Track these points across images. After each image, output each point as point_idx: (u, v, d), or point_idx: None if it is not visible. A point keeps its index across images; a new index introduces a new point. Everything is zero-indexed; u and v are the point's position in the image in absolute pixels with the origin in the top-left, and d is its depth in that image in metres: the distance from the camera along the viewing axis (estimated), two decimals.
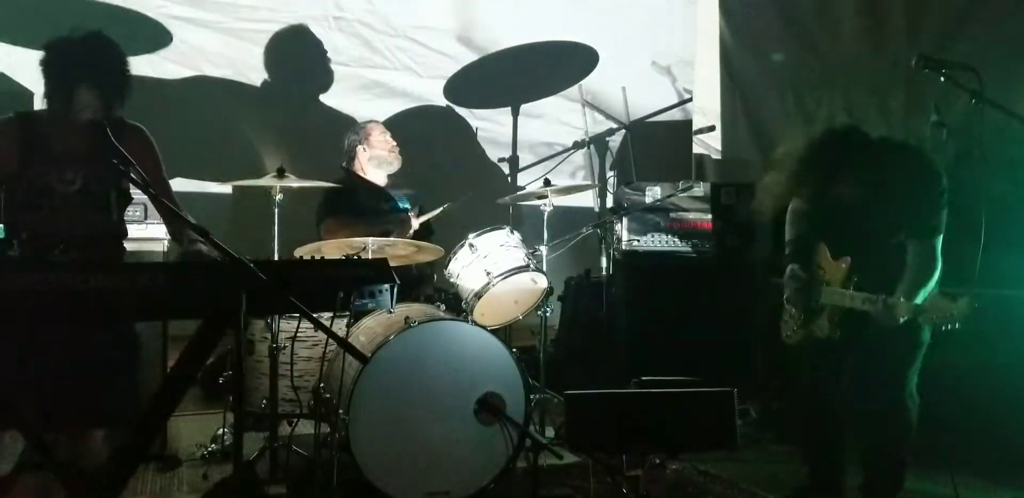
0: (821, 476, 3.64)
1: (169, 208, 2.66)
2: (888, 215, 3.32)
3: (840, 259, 3.42)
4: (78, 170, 2.84)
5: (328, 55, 6.65)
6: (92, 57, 2.75)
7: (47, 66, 2.78)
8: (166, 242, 4.14)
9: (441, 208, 4.96)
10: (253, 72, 6.49)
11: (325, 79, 6.73)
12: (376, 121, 5.18)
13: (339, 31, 6.67)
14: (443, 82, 7.01)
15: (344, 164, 5.04)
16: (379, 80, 6.82)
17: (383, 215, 4.89)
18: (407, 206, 5.07)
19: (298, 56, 6.61)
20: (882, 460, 3.50)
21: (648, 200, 5.37)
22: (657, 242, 5.37)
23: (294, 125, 6.55)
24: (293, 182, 3.98)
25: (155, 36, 6.10)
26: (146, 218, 4.12)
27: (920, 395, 3.40)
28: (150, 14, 6.09)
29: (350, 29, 6.68)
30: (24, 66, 5.51)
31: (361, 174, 4.99)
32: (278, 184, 3.94)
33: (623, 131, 7.03)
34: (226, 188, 5.66)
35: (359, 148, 4.98)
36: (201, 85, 6.34)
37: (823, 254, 3.50)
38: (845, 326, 3.38)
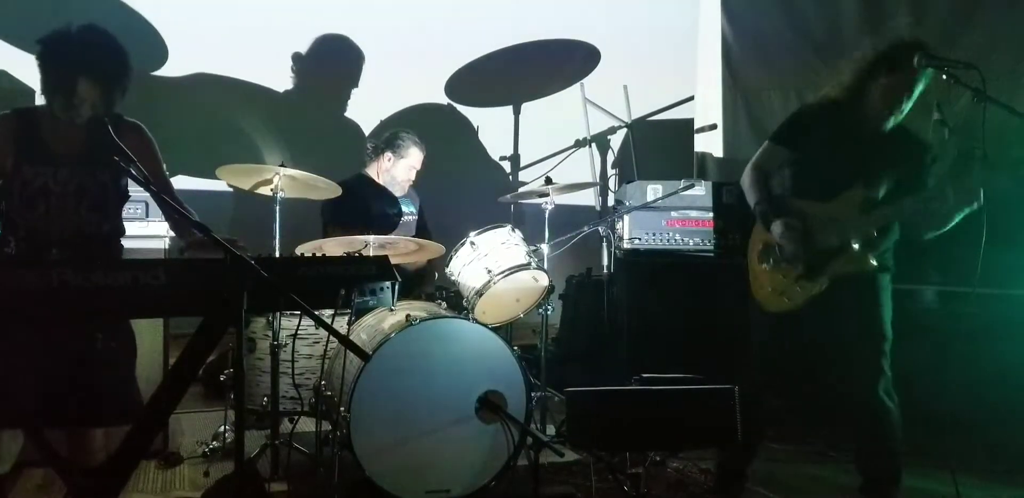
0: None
1: (171, 205, 2.65)
2: (884, 161, 3.42)
3: (843, 195, 3.40)
4: (75, 169, 2.82)
5: (330, 54, 6.65)
6: (91, 50, 2.71)
7: (44, 60, 2.74)
8: (167, 239, 4.14)
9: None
10: (254, 70, 6.49)
11: (327, 78, 6.73)
12: (422, 150, 5.06)
13: (341, 30, 6.67)
14: (444, 80, 7.01)
15: (367, 160, 5.04)
16: (380, 79, 6.81)
17: (389, 219, 4.89)
18: (412, 209, 5.07)
19: (300, 55, 6.61)
20: (876, 459, 3.48)
21: (650, 198, 5.36)
22: (659, 241, 5.37)
23: (296, 123, 6.55)
24: (294, 174, 3.97)
25: (156, 35, 6.11)
26: (147, 215, 4.12)
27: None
28: (152, 12, 6.10)
29: (352, 28, 6.68)
30: (25, 63, 5.53)
31: (374, 176, 4.99)
32: (279, 176, 3.94)
33: (625, 129, 7.03)
34: (227, 186, 5.66)
35: (387, 154, 4.97)
36: (202, 83, 6.34)
37: (802, 204, 3.48)
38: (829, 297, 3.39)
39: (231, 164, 3.96)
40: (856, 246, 3.38)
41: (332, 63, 6.70)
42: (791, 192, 3.56)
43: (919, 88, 3.32)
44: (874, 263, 3.36)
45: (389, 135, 5.06)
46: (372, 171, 5.02)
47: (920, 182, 3.43)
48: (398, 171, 4.98)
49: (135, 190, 3.02)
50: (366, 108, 6.75)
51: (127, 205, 3.07)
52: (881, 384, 3.37)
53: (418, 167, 5.03)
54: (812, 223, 3.42)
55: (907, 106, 3.36)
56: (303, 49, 6.60)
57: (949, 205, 3.21)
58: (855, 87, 3.43)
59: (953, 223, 3.24)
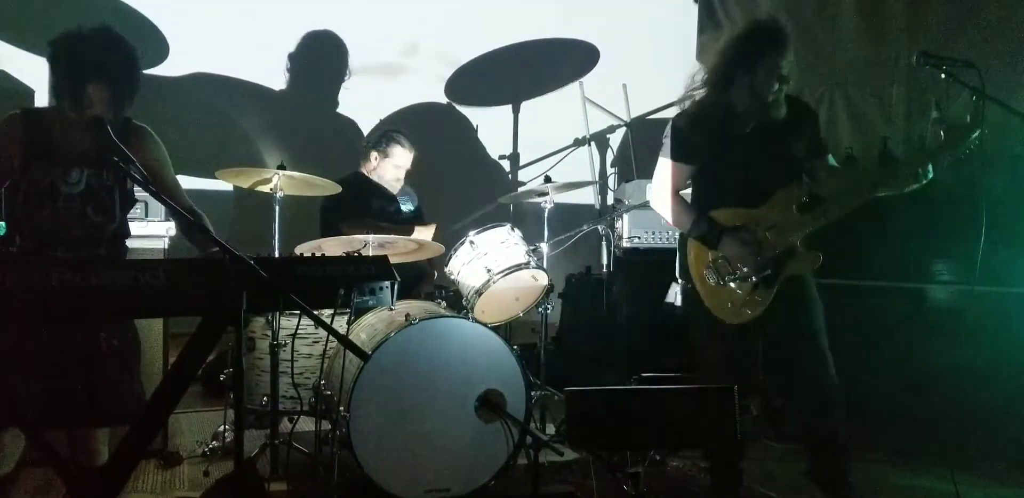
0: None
1: (171, 206, 2.65)
2: (787, 148, 3.42)
3: (776, 196, 3.39)
4: (82, 170, 2.82)
5: (332, 54, 6.65)
6: (101, 53, 2.70)
7: (54, 61, 2.73)
8: (167, 239, 4.14)
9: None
10: (256, 70, 6.50)
11: (328, 78, 6.73)
12: (409, 150, 5.05)
13: (343, 30, 6.68)
14: (444, 79, 7.01)
15: (361, 159, 5.05)
16: (382, 78, 6.81)
17: (387, 218, 4.89)
18: (411, 207, 5.06)
19: (302, 55, 6.61)
20: (824, 444, 3.50)
21: (649, 197, 5.35)
22: (658, 239, 5.36)
23: (296, 123, 6.56)
24: (294, 174, 3.98)
25: (158, 34, 6.11)
26: (147, 215, 4.12)
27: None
28: (154, 11, 6.10)
29: (354, 27, 6.68)
30: (25, 64, 5.53)
31: (369, 176, 5.00)
32: (279, 176, 3.94)
33: (624, 128, 7.02)
34: (227, 186, 5.67)
35: (373, 154, 4.99)
36: (204, 83, 6.35)
37: (734, 214, 3.45)
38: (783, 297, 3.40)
39: (230, 167, 3.97)
40: (800, 247, 3.38)
41: (323, 59, 6.70)
42: (715, 204, 3.48)
43: (785, 67, 3.30)
44: (820, 258, 3.36)
45: (378, 134, 5.09)
46: (365, 170, 5.04)
47: (818, 144, 3.48)
48: (384, 170, 5.00)
49: (136, 191, 3.02)
50: (367, 107, 6.75)
51: None
52: (831, 368, 3.41)
53: (405, 166, 5.02)
54: (756, 231, 3.40)
55: (784, 86, 3.33)
56: (296, 47, 6.60)
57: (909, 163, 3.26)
58: (724, 82, 3.39)
59: (929, 175, 3.22)
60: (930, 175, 3.21)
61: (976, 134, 3.12)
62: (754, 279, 3.40)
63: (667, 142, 3.53)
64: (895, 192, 3.29)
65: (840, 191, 3.36)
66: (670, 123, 3.55)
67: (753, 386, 3.57)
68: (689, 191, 3.64)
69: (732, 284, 3.44)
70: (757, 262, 3.38)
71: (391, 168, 4.99)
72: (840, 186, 3.40)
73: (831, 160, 3.53)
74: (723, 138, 3.41)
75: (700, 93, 3.48)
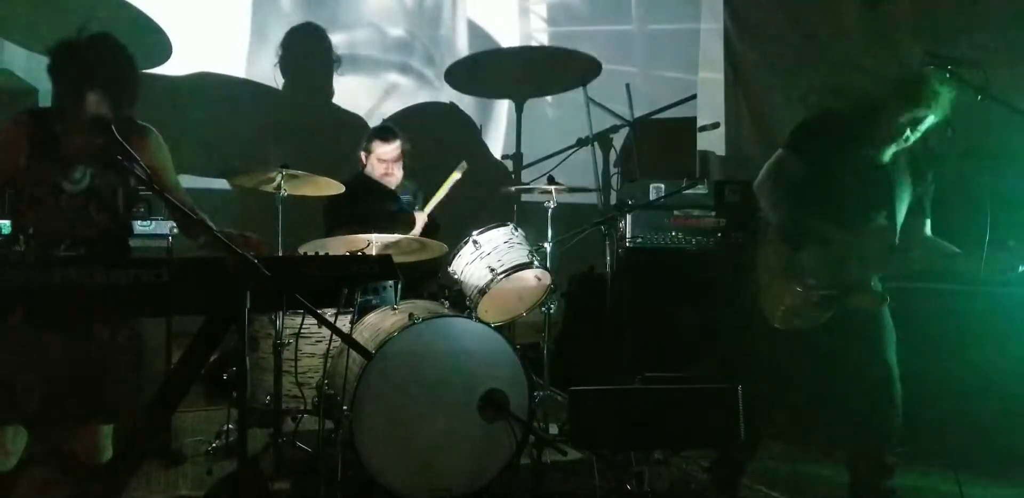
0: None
1: (177, 207, 2.66)
2: (900, 187, 3.38)
3: (872, 226, 3.36)
4: (86, 169, 2.84)
5: (335, 53, 6.65)
6: (100, 61, 2.73)
7: (55, 71, 2.76)
8: (170, 238, 4.14)
9: (444, 190, 4.92)
10: (258, 69, 6.50)
11: (331, 77, 6.73)
12: (387, 140, 4.99)
13: (346, 29, 6.68)
14: (446, 79, 7.01)
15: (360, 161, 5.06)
16: (384, 78, 6.82)
17: (389, 217, 4.88)
18: (413, 202, 5.06)
19: (304, 54, 6.61)
20: (866, 461, 3.51)
21: (652, 197, 5.35)
22: (661, 239, 5.35)
23: (299, 123, 6.55)
24: (297, 172, 3.98)
25: (161, 34, 6.11)
26: (150, 214, 4.12)
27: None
28: (157, 11, 6.10)
29: (357, 28, 6.68)
30: (28, 62, 5.54)
31: (368, 175, 5.00)
32: (282, 174, 3.94)
33: (627, 128, 7.02)
34: (230, 185, 5.68)
35: (361, 154, 5.00)
36: (206, 82, 6.35)
37: (831, 230, 3.39)
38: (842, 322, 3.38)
39: (235, 170, 3.97)
40: (877, 285, 3.37)
41: (309, 53, 6.70)
42: (813, 211, 3.41)
43: (927, 123, 3.27)
44: (887, 302, 3.36)
45: (367, 132, 5.08)
46: (363, 170, 5.03)
47: (922, 212, 3.45)
48: (373, 167, 4.97)
49: (141, 188, 3.03)
50: (370, 106, 6.76)
51: None
52: (891, 411, 3.40)
53: (390, 158, 4.95)
54: (841, 253, 3.36)
55: (912, 138, 3.31)
56: (309, 48, 6.61)
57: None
58: (867, 107, 3.38)
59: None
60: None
61: None
62: (814, 295, 3.37)
63: (793, 134, 3.50)
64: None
65: (922, 259, 3.42)
66: (811, 116, 3.56)
67: (779, 391, 3.56)
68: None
69: (794, 291, 3.40)
70: (827, 281, 3.35)
71: (378, 164, 4.97)
72: (923, 257, 3.43)
73: (927, 227, 3.48)
74: (851, 151, 3.38)
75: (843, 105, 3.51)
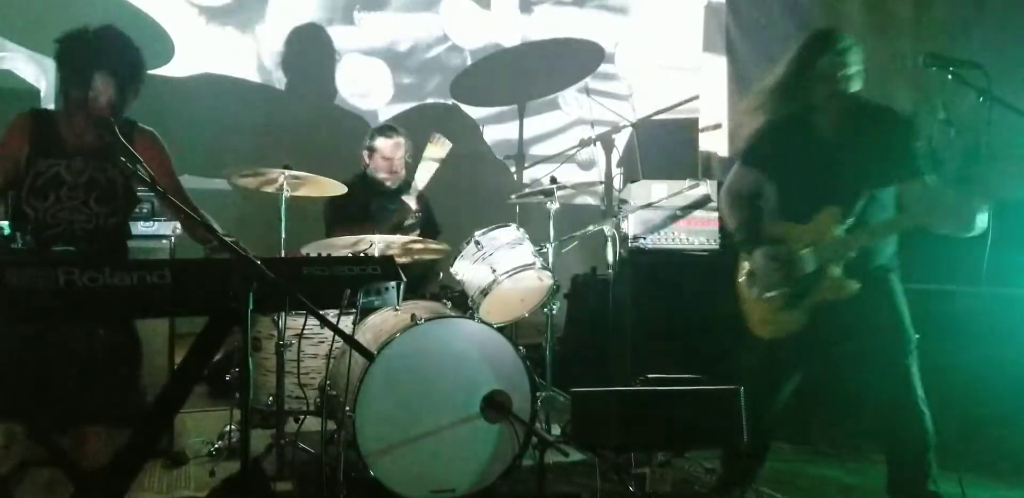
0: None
1: (181, 209, 2.67)
2: (858, 165, 3.28)
3: (820, 214, 3.28)
4: (88, 162, 2.88)
5: (337, 53, 6.66)
6: (108, 46, 2.82)
7: (62, 56, 2.83)
8: (172, 239, 4.15)
9: (426, 165, 4.81)
10: (260, 70, 6.50)
11: (333, 77, 6.74)
12: (389, 136, 4.97)
13: (347, 30, 6.68)
14: (449, 79, 7.02)
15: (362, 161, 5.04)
16: (385, 78, 6.82)
17: (391, 217, 4.87)
18: (415, 206, 5.05)
19: (307, 54, 6.62)
20: (905, 460, 3.38)
21: (654, 198, 5.35)
22: (663, 240, 5.35)
23: (301, 123, 6.56)
24: (299, 173, 3.97)
25: (163, 36, 6.12)
26: (152, 215, 4.13)
27: (925, 390, 3.36)
28: (159, 11, 6.11)
29: (359, 27, 6.69)
30: (31, 65, 5.55)
31: (370, 175, 4.99)
32: (284, 175, 3.94)
33: (629, 129, 7.02)
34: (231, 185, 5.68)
35: (364, 153, 4.98)
36: (208, 82, 6.36)
37: (779, 228, 3.39)
38: (826, 317, 3.30)
39: (237, 169, 3.96)
40: (835, 271, 3.27)
41: (339, 62, 6.71)
42: (774, 214, 3.44)
43: (853, 59, 3.23)
44: (856, 287, 3.23)
45: (369, 131, 5.07)
46: (365, 170, 5.02)
47: (911, 163, 3.26)
48: (376, 165, 4.94)
49: (140, 190, 3.04)
50: (371, 106, 6.76)
51: None
52: (916, 388, 3.28)
53: (392, 156, 4.93)
54: (792, 249, 3.32)
55: (852, 78, 3.24)
56: (312, 48, 6.61)
57: (958, 205, 3.08)
58: (793, 86, 3.32)
59: (979, 225, 3.07)
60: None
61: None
62: (779, 298, 3.34)
63: (742, 147, 3.57)
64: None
65: (922, 214, 3.21)
66: (753, 132, 3.52)
67: (766, 402, 3.49)
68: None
69: (761, 298, 3.39)
70: (783, 280, 3.32)
71: (381, 161, 4.95)
72: (924, 212, 3.22)
73: (927, 181, 3.26)
74: (795, 149, 3.36)
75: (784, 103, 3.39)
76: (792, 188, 3.39)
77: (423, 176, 4.77)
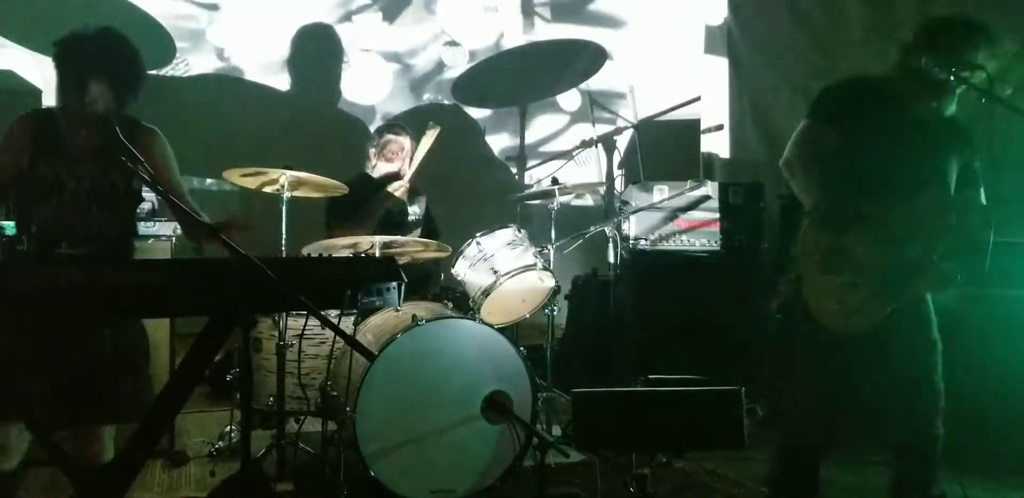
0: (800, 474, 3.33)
1: (180, 208, 2.66)
2: (950, 154, 3.05)
3: (925, 197, 2.95)
4: (90, 167, 2.85)
5: (339, 54, 6.67)
6: (104, 51, 2.78)
7: (60, 60, 2.80)
8: (174, 239, 4.15)
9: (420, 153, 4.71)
10: (261, 70, 6.51)
11: (334, 77, 6.74)
12: (403, 135, 4.92)
13: (347, 30, 6.69)
14: (451, 80, 7.02)
15: (365, 161, 5.02)
16: (386, 78, 6.83)
17: (388, 219, 4.86)
18: (417, 210, 5.04)
19: (308, 55, 6.62)
20: (916, 460, 3.24)
21: (656, 199, 5.35)
22: (665, 241, 5.36)
23: (302, 124, 6.56)
24: (300, 174, 3.97)
25: (165, 37, 6.13)
26: (153, 215, 4.13)
27: None
28: (161, 12, 6.11)
29: (359, 28, 6.70)
30: (33, 64, 5.55)
31: (374, 176, 4.97)
32: (285, 175, 3.94)
33: (631, 130, 7.02)
34: (234, 186, 5.68)
35: (372, 151, 4.95)
36: (209, 82, 6.36)
37: (874, 205, 2.98)
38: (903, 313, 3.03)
39: (237, 168, 3.96)
40: (941, 263, 2.99)
41: (340, 62, 6.72)
42: (852, 190, 3.00)
43: (977, 71, 2.98)
44: (957, 278, 2.98)
45: (374, 131, 5.04)
46: (368, 169, 5.00)
47: (973, 178, 3.11)
48: (385, 161, 4.90)
49: (144, 192, 3.04)
50: (372, 105, 6.77)
51: None
52: (937, 386, 3.14)
53: (400, 151, 4.88)
54: (893, 232, 2.96)
55: (957, 84, 2.99)
56: (314, 48, 6.62)
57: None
58: (902, 64, 3.06)
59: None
60: None
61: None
62: (874, 283, 2.97)
63: (818, 102, 3.14)
64: None
65: (978, 227, 2.99)
66: (831, 83, 3.16)
67: (841, 403, 3.16)
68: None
69: (848, 284, 2.98)
70: (883, 267, 2.96)
71: (389, 155, 4.90)
72: (980, 224, 3.01)
73: (981, 195, 3.12)
74: (887, 115, 3.01)
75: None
76: (885, 161, 3.00)
77: (413, 166, 4.74)
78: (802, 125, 3.11)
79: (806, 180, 3.05)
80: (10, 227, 2.89)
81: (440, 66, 7.06)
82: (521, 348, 3.81)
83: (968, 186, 3.12)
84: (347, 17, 6.75)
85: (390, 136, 4.91)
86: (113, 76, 2.78)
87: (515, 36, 7.20)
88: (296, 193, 4.05)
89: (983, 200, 3.13)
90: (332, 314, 3.89)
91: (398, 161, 4.86)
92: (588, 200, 6.96)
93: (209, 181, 5.84)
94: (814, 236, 3.05)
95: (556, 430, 4.48)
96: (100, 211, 2.87)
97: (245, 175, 3.99)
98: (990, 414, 4.04)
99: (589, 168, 7.20)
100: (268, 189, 4.03)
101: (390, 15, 6.87)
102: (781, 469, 3.34)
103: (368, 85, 6.84)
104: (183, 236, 3.43)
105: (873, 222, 2.96)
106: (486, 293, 4.08)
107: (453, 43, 7.05)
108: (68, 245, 2.80)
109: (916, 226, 2.98)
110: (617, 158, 6.97)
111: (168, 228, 4.12)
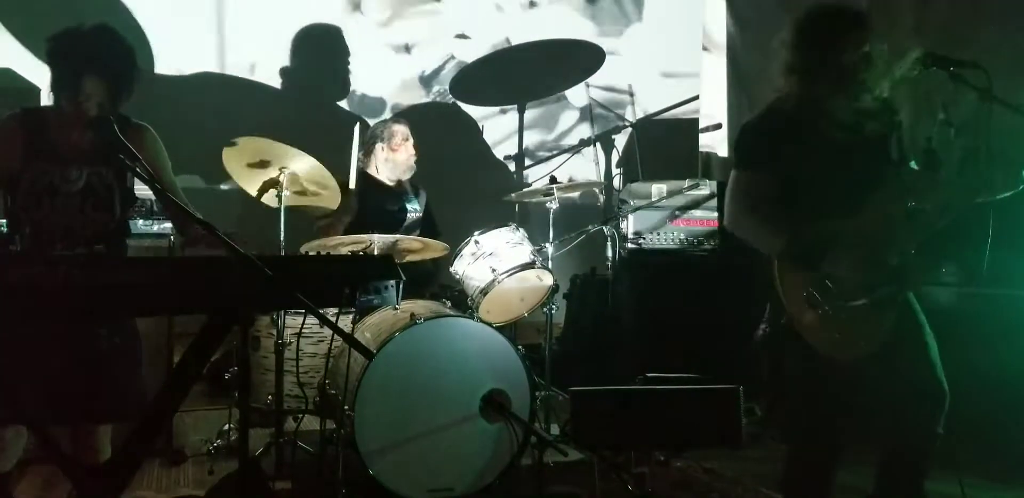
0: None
1: (176, 205, 2.66)
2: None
3: (872, 201, 2.94)
4: (82, 168, 2.83)
5: (337, 53, 6.66)
6: (99, 48, 2.74)
7: (53, 56, 2.76)
8: (172, 238, 4.14)
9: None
10: (261, 69, 6.50)
11: (334, 77, 6.74)
12: (404, 124, 4.95)
13: (348, 29, 6.68)
14: (448, 78, 7.02)
15: (363, 159, 4.99)
16: (386, 77, 6.82)
17: (387, 218, 4.86)
18: (416, 206, 5.04)
19: (307, 54, 6.61)
20: (914, 460, 3.21)
21: (654, 198, 5.36)
22: (663, 240, 5.36)
23: (301, 123, 6.54)
24: (299, 173, 3.96)
25: (166, 35, 6.11)
26: (152, 214, 4.12)
27: None
28: (161, 10, 6.10)
29: (359, 27, 6.69)
30: (30, 61, 5.54)
31: (373, 173, 4.96)
32: (285, 174, 3.93)
33: (629, 129, 7.02)
34: (232, 185, 5.67)
35: (379, 145, 4.92)
36: (208, 82, 6.35)
37: (832, 227, 2.95)
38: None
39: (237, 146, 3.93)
40: (916, 260, 2.97)
41: (339, 62, 6.71)
42: (808, 220, 2.96)
43: (879, 56, 2.95)
44: (942, 267, 3.10)
45: (371, 129, 5.02)
46: (371, 169, 4.97)
47: (933, 163, 3.09)
48: (395, 153, 4.87)
49: (139, 188, 3.03)
50: (372, 106, 6.76)
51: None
52: (938, 371, 3.08)
53: (411, 139, 4.90)
54: (866, 241, 2.93)
55: (879, 79, 2.97)
56: (312, 48, 6.61)
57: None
58: (805, 70, 2.96)
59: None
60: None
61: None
62: (868, 301, 2.90)
63: (737, 152, 3.15)
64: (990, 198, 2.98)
65: (944, 199, 2.99)
66: (740, 130, 3.15)
67: (844, 406, 3.08)
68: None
69: (839, 310, 2.90)
70: (871, 279, 2.91)
71: (402, 148, 4.89)
72: (943, 194, 3.01)
73: (912, 164, 3.13)
74: (806, 139, 2.97)
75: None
76: (822, 182, 2.97)
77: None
78: (731, 178, 3.10)
79: (757, 230, 3.04)
80: (3, 225, 2.88)
81: (450, 59, 7.04)
82: (519, 347, 3.82)
83: (927, 168, 3.09)
84: (356, 7, 6.74)
85: (395, 127, 4.91)
86: (106, 73, 2.74)
87: (515, 35, 7.19)
88: (295, 192, 4.02)
89: (913, 166, 3.11)
90: (331, 312, 3.90)
91: (403, 150, 4.87)
92: (586, 199, 6.96)
93: (208, 181, 5.83)
94: (792, 277, 2.97)
95: (554, 429, 4.48)
96: (94, 211, 2.85)
97: (244, 171, 3.98)
98: (990, 414, 4.04)
99: (588, 167, 7.19)
100: (267, 197, 3.98)
101: (399, 6, 6.86)
102: (793, 474, 3.28)
103: (377, 77, 6.83)
104: (177, 234, 3.42)
105: (843, 241, 2.93)
106: (485, 292, 4.08)
107: (463, 36, 7.03)
108: (62, 245, 2.80)
109: (884, 228, 2.96)
110: (616, 157, 6.98)
111: (166, 226, 4.12)
